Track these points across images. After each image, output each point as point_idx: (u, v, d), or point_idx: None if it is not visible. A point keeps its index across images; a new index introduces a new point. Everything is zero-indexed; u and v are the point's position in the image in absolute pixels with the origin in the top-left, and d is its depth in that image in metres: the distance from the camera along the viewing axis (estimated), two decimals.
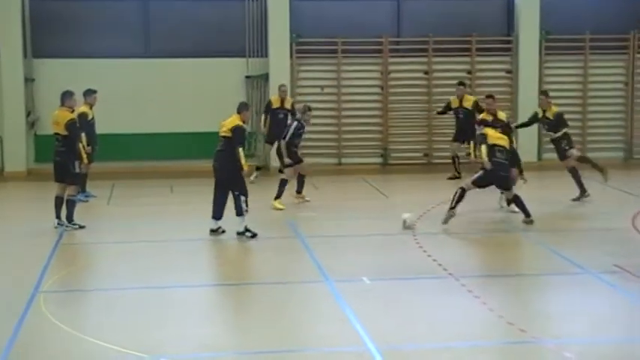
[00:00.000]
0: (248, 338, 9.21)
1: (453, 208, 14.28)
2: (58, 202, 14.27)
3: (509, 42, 21.33)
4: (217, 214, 13.76)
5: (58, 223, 14.21)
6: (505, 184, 14.56)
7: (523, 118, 20.99)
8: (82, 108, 16.35)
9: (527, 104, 21.00)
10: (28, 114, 20.08)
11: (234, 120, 13.71)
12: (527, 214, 14.42)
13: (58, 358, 8.62)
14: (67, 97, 14.32)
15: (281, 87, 18.81)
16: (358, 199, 17.08)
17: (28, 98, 20.10)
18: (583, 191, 16.53)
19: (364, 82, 21.02)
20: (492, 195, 17.32)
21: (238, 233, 13.61)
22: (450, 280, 11.14)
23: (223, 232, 13.73)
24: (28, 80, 20.13)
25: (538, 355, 8.67)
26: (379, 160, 20.97)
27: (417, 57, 21.24)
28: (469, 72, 21.15)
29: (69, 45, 20.35)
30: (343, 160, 20.98)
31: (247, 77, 20.61)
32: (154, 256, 12.80)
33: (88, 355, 8.64)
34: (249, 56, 20.65)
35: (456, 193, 14.36)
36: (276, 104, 18.73)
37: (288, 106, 18.69)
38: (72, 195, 14.24)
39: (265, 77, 20.58)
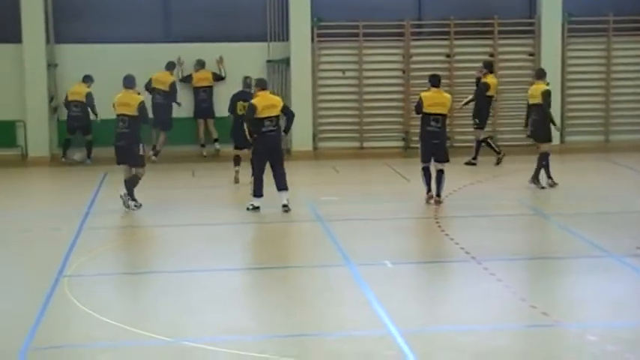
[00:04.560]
0: (271, 322, 9.24)
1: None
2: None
3: (531, 24, 21.17)
4: (262, 192, 14.26)
5: (135, 205, 14.43)
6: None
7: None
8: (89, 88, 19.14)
9: (550, 86, 20.84)
10: (51, 99, 20.17)
11: (278, 99, 14.58)
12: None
13: (82, 342, 8.68)
14: (131, 80, 14.66)
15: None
16: (379, 182, 17.07)
17: (50, 84, 20.19)
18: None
19: (386, 65, 20.93)
20: (517, 176, 17.28)
21: (285, 206, 14.10)
22: (473, 263, 11.12)
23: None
24: (51, 66, 20.21)
25: (561, 339, 8.65)
26: (401, 143, 20.91)
27: (438, 40, 21.13)
28: (491, 55, 21.01)
29: (91, 30, 20.39)
30: (365, 144, 20.95)
31: (268, 62, 20.59)
32: (177, 241, 12.85)
33: (112, 338, 8.70)
34: (270, 40, 20.63)
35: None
36: None
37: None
38: (141, 172, 14.50)
39: (286, 61, 20.55)
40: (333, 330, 8.92)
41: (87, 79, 19.34)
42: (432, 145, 14.62)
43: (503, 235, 12.78)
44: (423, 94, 14.81)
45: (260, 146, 14.13)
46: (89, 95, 19.20)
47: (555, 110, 20.96)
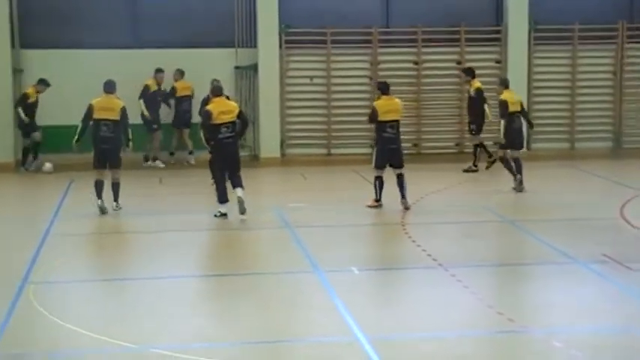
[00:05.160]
0: (238, 329, 9.21)
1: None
2: (100, 185, 14.65)
3: (498, 32, 21.33)
4: (227, 197, 14.20)
5: (103, 203, 14.59)
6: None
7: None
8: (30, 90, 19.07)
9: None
10: (17, 105, 19.97)
11: (234, 104, 14.56)
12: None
13: (48, 349, 8.61)
14: (112, 85, 14.94)
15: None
16: (347, 189, 17.08)
17: (16, 89, 20.01)
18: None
19: (354, 72, 20.99)
20: (483, 183, 17.39)
21: (240, 197, 14.03)
22: (439, 270, 11.16)
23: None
24: (17, 71, 20.05)
25: (527, 345, 8.70)
26: (369, 150, 20.92)
27: (406, 47, 21.22)
28: (458, 62, 21.14)
29: (58, 35, 20.25)
30: (332, 151, 20.98)
31: (236, 68, 20.57)
32: (143, 247, 12.80)
33: (78, 346, 8.63)
34: (239, 46, 20.61)
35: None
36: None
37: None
38: (118, 178, 14.77)
39: (254, 68, 20.54)
40: (302, 336, 8.92)
41: (38, 82, 19.04)
42: (389, 150, 14.86)
43: (470, 241, 12.84)
44: (376, 103, 15.05)
45: (218, 153, 14.17)
46: (21, 96, 19.06)
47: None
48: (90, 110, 14.60)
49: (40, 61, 20.01)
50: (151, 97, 19.68)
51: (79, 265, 12.08)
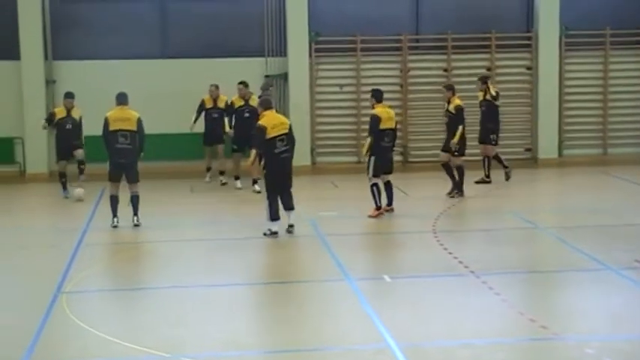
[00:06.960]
0: (270, 337, 9.24)
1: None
2: (115, 201, 14.51)
3: (529, 38, 21.24)
4: (279, 215, 13.63)
5: (118, 222, 14.44)
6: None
7: (544, 114, 21.01)
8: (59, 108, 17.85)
9: (548, 101, 20.96)
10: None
11: (285, 118, 14.01)
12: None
13: (81, 358, 8.67)
14: (126, 97, 14.67)
15: (211, 87, 18.71)
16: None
17: (49, 100, 20.22)
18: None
19: (383, 79, 20.94)
20: (513, 190, 17.29)
21: (291, 226, 13.73)
22: (471, 277, 11.13)
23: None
24: (49, 82, 20.26)
25: (559, 352, 8.65)
26: (399, 157, 20.93)
27: (436, 54, 21.19)
28: (489, 69, 21.08)
29: (89, 47, 20.46)
30: (363, 159, 20.93)
31: (266, 77, 20.63)
32: (175, 256, 12.85)
33: (110, 355, 8.68)
34: (268, 55, 20.68)
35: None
36: (208, 104, 18.72)
37: (221, 105, 18.56)
38: (137, 191, 14.53)
39: (284, 76, 20.60)
40: (333, 344, 8.92)
41: (64, 97, 18.06)
42: (387, 160, 14.95)
43: (502, 248, 12.79)
44: (377, 111, 14.79)
45: (274, 169, 13.41)
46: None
47: (553, 123, 21.19)
48: (106, 123, 14.38)
49: (72, 72, 20.21)
50: (238, 115, 18.17)
51: (112, 274, 12.18)
